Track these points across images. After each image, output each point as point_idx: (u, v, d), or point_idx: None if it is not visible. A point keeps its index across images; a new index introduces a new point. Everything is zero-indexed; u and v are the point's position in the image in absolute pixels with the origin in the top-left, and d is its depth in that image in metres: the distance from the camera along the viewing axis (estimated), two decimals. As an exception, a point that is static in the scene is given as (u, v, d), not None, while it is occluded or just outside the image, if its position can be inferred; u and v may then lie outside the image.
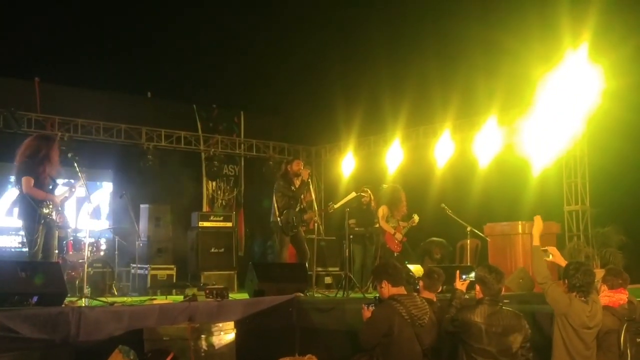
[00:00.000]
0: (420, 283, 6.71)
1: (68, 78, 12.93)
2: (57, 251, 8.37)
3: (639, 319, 5.77)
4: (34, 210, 7.61)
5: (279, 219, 10.03)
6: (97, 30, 13.63)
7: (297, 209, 10.04)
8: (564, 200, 11.36)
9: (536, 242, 5.80)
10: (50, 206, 7.76)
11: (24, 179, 7.65)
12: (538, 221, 5.88)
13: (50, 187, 7.88)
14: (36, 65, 12.78)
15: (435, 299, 6.51)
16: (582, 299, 5.45)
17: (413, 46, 13.20)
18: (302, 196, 10.19)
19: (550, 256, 5.98)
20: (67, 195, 8.05)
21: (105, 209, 13.23)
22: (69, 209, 8.52)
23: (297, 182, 10.15)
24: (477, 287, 5.63)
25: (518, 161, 11.53)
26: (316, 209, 10.16)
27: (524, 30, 10.92)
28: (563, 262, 5.87)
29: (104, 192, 13.38)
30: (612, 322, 5.68)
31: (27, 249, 7.87)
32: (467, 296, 6.25)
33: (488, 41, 11.33)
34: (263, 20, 14.74)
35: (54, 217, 7.81)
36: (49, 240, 7.89)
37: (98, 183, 13.25)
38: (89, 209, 10.37)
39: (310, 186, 10.21)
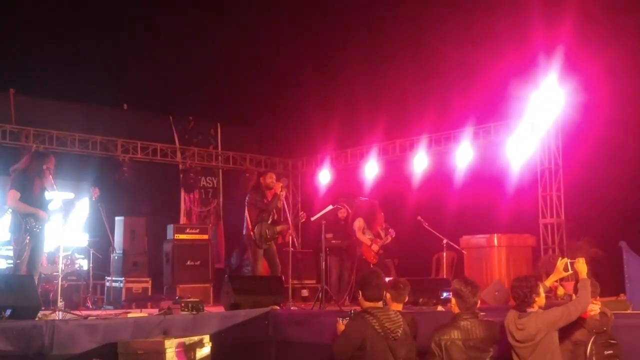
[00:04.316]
0: (387, 295, 6.25)
1: (43, 89, 12.84)
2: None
3: (610, 331, 5.74)
4: (20, 222, 7.80)
5: (252, 232, 10.00)
6: (72, 42, 13.53)
7: (269, 222, 10.01)
8: (539, 213, 11.44)
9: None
10: (38, 220, 7.87)
11: (9, 192, 7.89)
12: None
13: (45, 200, 8.04)
14: (11, 76, 12.66)
15: (402, 310, 6.22)
16: (522, 312, 5.45)
17: (390, 59, 13.29)
18: (274, 209, 10.16)
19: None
20: (62, 212, 8.19)
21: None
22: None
23: (270, 195, 10.13)
24: (453, 301, 5.61)
25: (494, 174, 11.69)
26: (290, 222, 10.14)
27: (499, 46, 11.04)
28: (584, 275, 5.76)
29: (80, 204, 13.21)
30: (580, 333, 5.67)
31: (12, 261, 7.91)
32: (442, 309, 6.21)
33: (464, 56, 11.43)
34: (239, 32, 14.75)
35: (41, 230, 7.93)
36: (35, 253, 7.95)
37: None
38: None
39: (282, 198, 10.16)
